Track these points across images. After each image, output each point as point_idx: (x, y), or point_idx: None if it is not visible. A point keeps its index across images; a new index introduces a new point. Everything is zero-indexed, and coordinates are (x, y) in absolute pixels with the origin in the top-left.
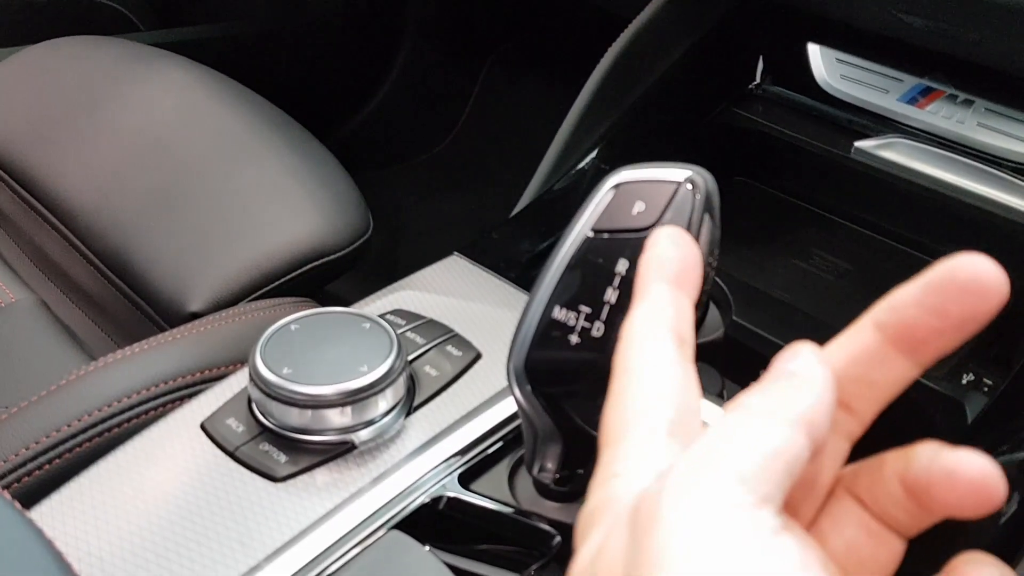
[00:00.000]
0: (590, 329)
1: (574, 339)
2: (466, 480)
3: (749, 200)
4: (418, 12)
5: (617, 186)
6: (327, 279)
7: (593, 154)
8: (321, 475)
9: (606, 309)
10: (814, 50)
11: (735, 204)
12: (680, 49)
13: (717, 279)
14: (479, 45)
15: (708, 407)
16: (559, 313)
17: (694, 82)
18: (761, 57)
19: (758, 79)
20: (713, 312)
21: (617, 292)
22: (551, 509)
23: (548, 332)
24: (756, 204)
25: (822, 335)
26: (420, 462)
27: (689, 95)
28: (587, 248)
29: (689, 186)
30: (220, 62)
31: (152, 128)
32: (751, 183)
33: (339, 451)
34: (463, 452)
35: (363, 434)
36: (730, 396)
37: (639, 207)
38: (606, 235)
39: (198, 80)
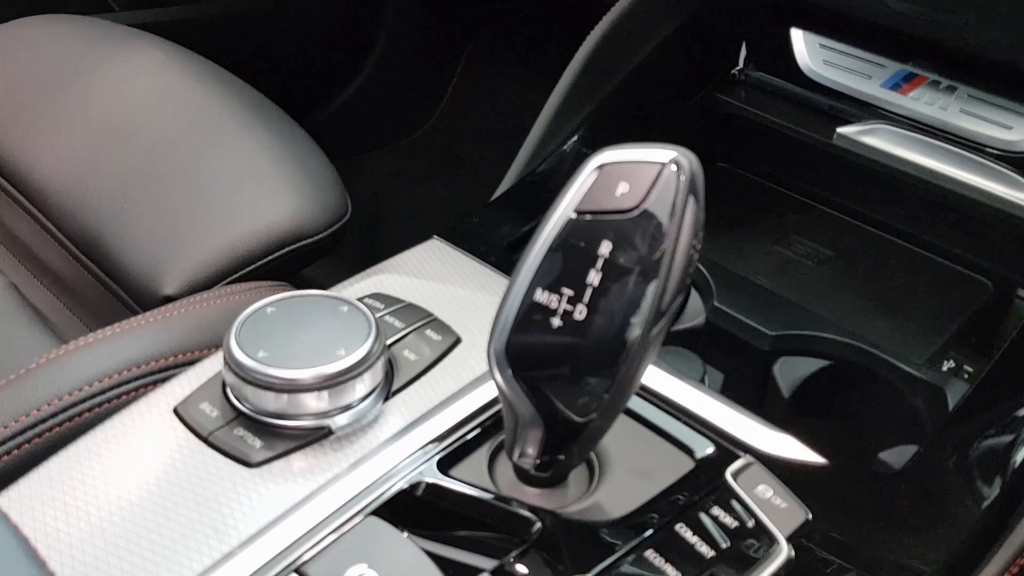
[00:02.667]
0: (572, 312)
1: (556, 322)
2: (445, 466)
3: (731, 186)
4: None
5: (601, 167)
6: (304, 263)
7: (574, 138)
8: (297, 461)
9: (589, 292)
10: (797, 35)
11: (717, 190)
12: (662, 34)
13: (699, 265)
14: (459, 30)
15: (689, 392)
16: (541, 296)
17: (676, 67)
18: (744, 42)
19: (741, 64)
20: (695, 298)
21: (600, 274)
22: (531, 495)
23: (530, 315)
24: (738, 190)
25: (804, 321)
26: (398, 447)
27: (671, 80)
28: (570, 229)
29: (674, 167)
30: (197, 43)
31: (126, 109)
32: (733, 169)
33: (315, 436)
34: (442, 437)
35: (340, 419)
36: (711, 382)
37: (623, 188)
38: (589, 216)
39: (174, 60)
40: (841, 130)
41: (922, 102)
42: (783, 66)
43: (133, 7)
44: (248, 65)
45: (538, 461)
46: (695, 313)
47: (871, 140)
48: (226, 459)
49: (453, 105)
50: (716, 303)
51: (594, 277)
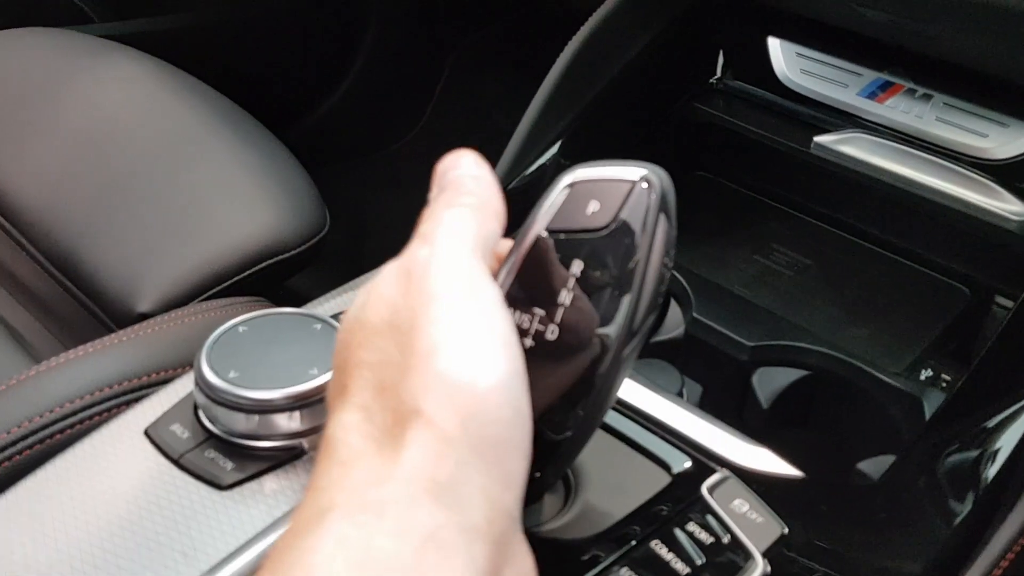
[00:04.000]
0: (544, 332)
1: (528, 342)
2: None
3: (710, 195)
4: (382, 2)
5: (571, 185)
6: (282, 277)
7: (554, 149)
8: (269, 482)
9: (560, 312)
10: (774, 44)
11: (696, 199)
12: (640, 43)
13: (678, 275)
14: (444, 38)
15: (666, 406)
16: (513, 316)
17: (655, 76)
18: (721, 51)
19: (719, 73)
20: (674, 310)
21: (571, 294)
22: None
23: None
24: (717, 199)
25: (782, 331)
26: None
27: (650, 89)
28: (541, 249)
29: (644, 185)
30: (175, 54)
31: (101, 123)
32: (712, 178)
33: (288, 457)
34: None
35: (313, 439)
36: (690, 394)
37: (594, 207)
38: (561, 235)
39: (149, 74)
40: (818, 139)
41: (898, 110)
42: (761, 75)
43: (112, 18)
44: (229, 76)
45: None
46: (675, 324)
47: (848, 149)
48: (197, 481)
49: (438, 113)
50: (695, 314)
51: (566, 297)
